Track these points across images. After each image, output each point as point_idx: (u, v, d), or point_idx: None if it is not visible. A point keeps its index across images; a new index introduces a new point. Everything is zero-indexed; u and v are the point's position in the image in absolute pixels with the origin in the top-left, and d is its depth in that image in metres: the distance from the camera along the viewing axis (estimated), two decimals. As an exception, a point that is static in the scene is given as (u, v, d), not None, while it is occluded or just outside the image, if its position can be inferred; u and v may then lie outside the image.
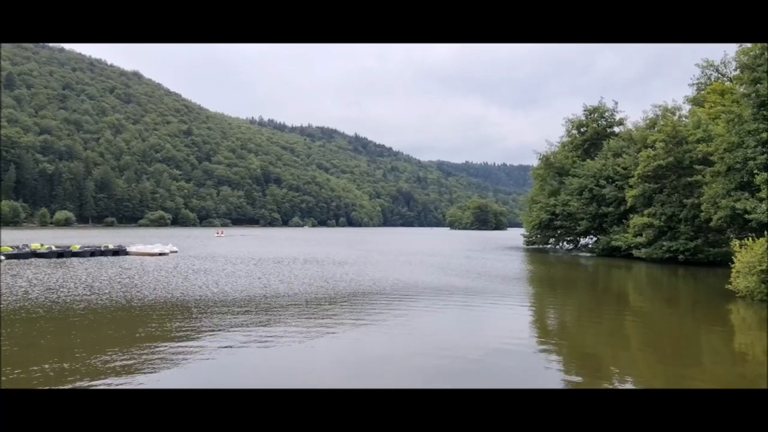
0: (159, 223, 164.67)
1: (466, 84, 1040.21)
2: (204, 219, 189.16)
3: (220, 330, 13.23)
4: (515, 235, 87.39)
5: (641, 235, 39.21)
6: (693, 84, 47.58)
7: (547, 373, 10.42)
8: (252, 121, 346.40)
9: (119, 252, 38.88)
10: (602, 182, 47.90)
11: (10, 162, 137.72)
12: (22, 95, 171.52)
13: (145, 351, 11.12)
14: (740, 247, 20.11)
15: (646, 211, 38.83)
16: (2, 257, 31.27)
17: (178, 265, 30.57)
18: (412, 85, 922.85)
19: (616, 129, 56.59)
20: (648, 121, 46.54)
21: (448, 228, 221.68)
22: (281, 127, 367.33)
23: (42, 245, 38.01)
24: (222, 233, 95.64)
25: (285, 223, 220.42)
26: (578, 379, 10.08)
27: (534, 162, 63.97)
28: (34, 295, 18.15)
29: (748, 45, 26.27)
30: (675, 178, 36.76)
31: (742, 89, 28.11)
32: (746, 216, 25.37)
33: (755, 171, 24.57)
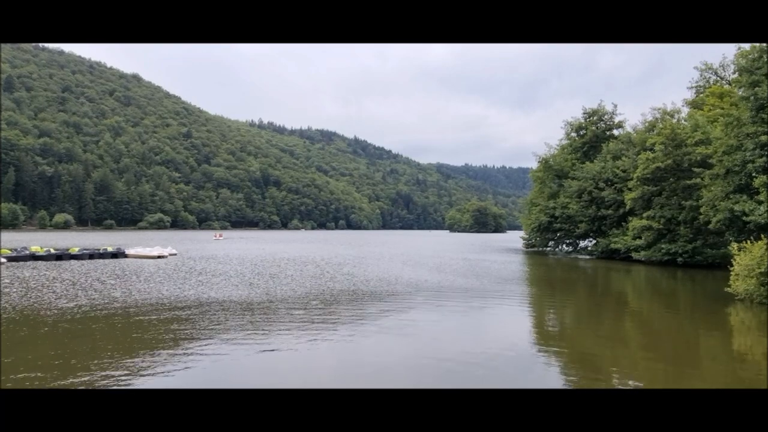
0: (158, 225, 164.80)
1: (465, 84, 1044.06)
2: (203, 221, 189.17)
3: (219, 330, 13.21)
4: (515, 238, 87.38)
5: (640, 237, 39.24)
6: (692, 87, 47.78)
7: (547, 373, 10.41)
8: (251, 124, 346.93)
9: (118, 254, 38.87)
10: (601, 185, 47.97)
11: (9, 164, 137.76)
12: (22, 98, 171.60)
13: (144, 351, 11.09)
14: (739, 250, 20.10)
15: (645, 214, 38.85)
16: (3, 260, 31.27)
17: (176, 268, 30.53)
18: (411, 84, 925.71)
19: (615, 132, 56.70)
20: (647, 124, 46.65)
21: (448, 231, 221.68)
22: (281, 130, 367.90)
23: (41, 248, 37.98)
24: (221, 236, 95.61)
25: (284, 225, 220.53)
26: (578, 379, 10.07)
27: (533, 164, 64.10)
28: (32, 297, 18.12)
29: (747, 48, 26.33)
30: (674, 181, 36.80)
31: (740, 92, 28.16)
32: (745, 218, 25.39)
33: (754, 174, 24.60)
